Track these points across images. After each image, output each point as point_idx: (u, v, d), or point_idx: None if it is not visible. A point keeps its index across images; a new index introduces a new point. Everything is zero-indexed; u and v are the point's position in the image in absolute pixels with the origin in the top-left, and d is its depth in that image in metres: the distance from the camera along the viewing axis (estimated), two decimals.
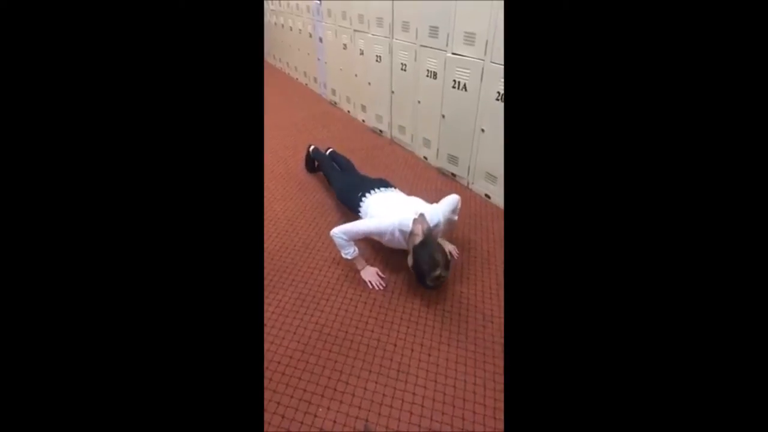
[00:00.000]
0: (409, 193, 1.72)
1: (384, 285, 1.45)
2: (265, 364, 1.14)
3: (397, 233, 1.41)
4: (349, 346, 1.21)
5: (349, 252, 1.44)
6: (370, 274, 1.48)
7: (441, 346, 1.21)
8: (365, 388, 1.08)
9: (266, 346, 1.19)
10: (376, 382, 1.10)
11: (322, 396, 1.06)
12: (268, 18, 4.69)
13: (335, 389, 1.08)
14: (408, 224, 1.38)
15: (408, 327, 1.27)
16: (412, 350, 1.19)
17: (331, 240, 1.44)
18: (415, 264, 1.31)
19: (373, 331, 1.26)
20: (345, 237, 1.42)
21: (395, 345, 1.21)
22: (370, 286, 1.44)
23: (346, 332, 1.25)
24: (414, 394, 1.07)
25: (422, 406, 1.04)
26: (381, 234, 1.45)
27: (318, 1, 3.28)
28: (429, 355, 1.18)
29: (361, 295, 1.40)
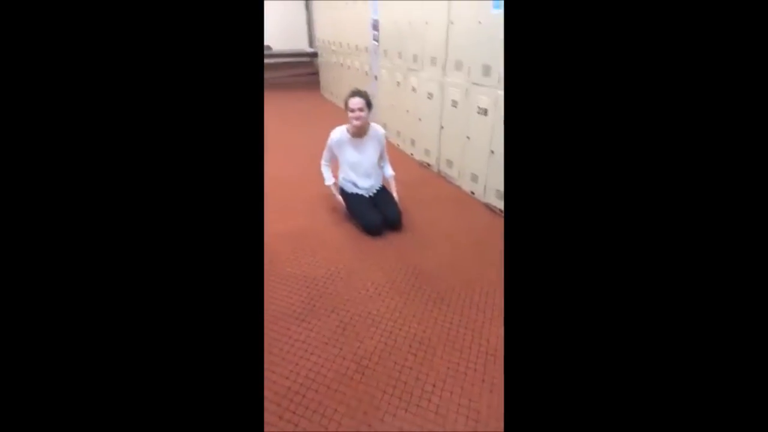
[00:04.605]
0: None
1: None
2: (302, 392, 1.14)
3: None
4: (386, 381, 1.18)
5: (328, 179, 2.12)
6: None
7: (483, 392, 1.14)
8: (401, 429, 1.04)
9: (304, 372, 1.20)
10: (413, 423, 1.05)
11: None
12: (329, 57, 5.07)
13: (370, 426, 1.05)
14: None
15: (449, 368, 1.22)
16: (452, 393, 1.14)
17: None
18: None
19: (411, 369, 1.22)
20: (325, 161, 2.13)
21: (434, 386, 1.16)
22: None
23: (384, 366, 1.23)
24: None
25: None
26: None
27: (376, 42, 3.49)
28: (470, 400, 1.12)
29: (401, 329, 1.38)
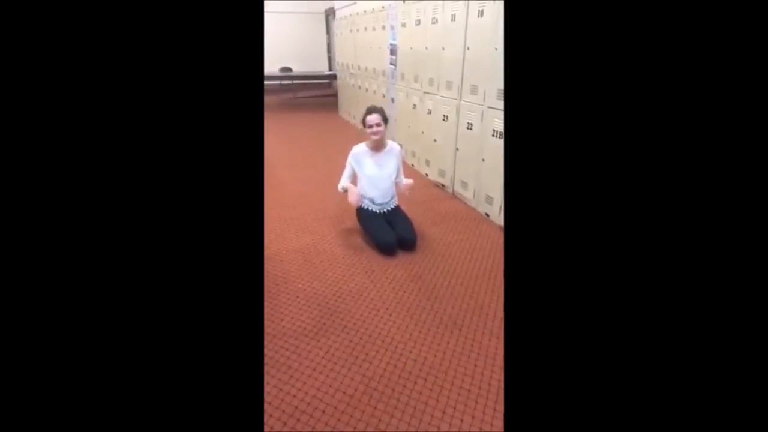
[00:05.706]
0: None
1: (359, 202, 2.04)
2: (309, 411, 1.12)
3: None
4: (395, 405, 1.15)
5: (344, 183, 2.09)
6: (353, 194, 1.98)
7: (495, 420, 1.10)
8: None
9: (312, 392, 1.19)
10: None
11: None
12: (347, 80, 5.21)
13: None
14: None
15: (459, 393, 1.19)
16: (462, 421, 1.10)
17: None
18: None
19: (421, 393, 1.19)
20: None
21: (444, 412, 1.13)
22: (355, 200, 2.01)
23: (393, 390, 1.20)
24: None
25: None
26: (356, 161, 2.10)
27: (393, 66, 3.59)
28: (481, 429, 1.08)
29: (411, 352, 1.35)
